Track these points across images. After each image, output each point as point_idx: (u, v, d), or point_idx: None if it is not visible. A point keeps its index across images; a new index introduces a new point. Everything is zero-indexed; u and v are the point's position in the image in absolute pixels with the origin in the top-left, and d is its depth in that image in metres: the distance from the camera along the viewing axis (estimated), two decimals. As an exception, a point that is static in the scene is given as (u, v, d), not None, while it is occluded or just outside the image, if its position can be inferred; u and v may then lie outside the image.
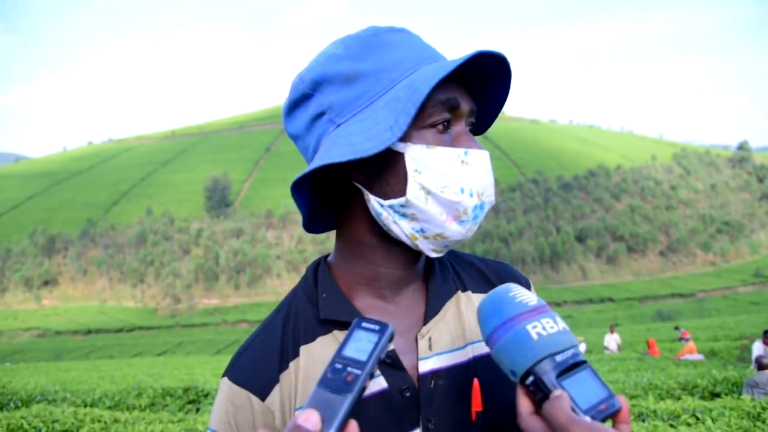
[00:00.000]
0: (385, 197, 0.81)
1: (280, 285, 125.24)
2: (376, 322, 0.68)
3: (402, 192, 0.80)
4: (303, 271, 0.96)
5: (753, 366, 7.35)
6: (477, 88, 0.87)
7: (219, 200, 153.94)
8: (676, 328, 22.97)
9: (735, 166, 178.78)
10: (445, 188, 0.78)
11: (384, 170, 0.81)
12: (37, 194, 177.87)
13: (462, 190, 0.79)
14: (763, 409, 5.02)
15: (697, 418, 5.01)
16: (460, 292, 0.94)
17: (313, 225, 0.93)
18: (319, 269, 0.92)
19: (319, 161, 0.78)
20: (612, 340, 19.41)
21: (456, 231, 0.81)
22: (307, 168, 0.80)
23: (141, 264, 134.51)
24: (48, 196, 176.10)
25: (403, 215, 0.81)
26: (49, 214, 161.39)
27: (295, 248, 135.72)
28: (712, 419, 4.83)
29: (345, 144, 0.78)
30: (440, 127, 0.80)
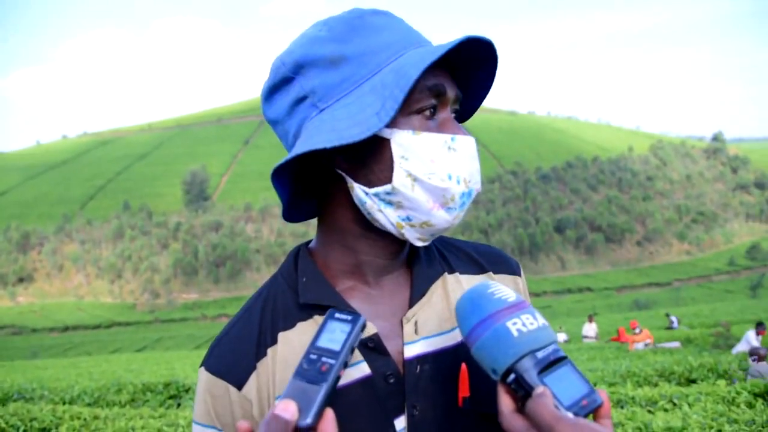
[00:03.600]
0: (370, 185, 0.79)
1: (260, 278, 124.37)
2: (348, 313, 0.68)
3: (388, 179, 0.77)
4: (284, 264, 0.94)
5: (750, 360, 7.48)
6: (462, 74, 0.85)
7: (197, 194, 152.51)
8: (667, 314, 23.24)
9: (710, 157, 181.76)
10: (432, 175, 0.76)
11: (369, 157, 0.78)
12: (11, 189, 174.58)
13: (449, 177, 0.77)
14: (738, 393, 5.13)
15: (674, 404, 5.11)
16: (447, 274, 0.91)
17: (292, 214, 0.91)
18: (299, 255, 0.90)
19: (302, 147, 0.75)
20: (591, 329, 19.65)
21: (443, 218, 0.79)
22: (289, 154, 0.76)
23: (118, 259, 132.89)
24: (22, 191, 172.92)
25: (389, 203, 0.79)
26: (24, 209, 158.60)
27: (274, 242, 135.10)
28: (689, 404, 4.92)
29: (329, 130, 0.75)
30: (427, 113, 0.78)
